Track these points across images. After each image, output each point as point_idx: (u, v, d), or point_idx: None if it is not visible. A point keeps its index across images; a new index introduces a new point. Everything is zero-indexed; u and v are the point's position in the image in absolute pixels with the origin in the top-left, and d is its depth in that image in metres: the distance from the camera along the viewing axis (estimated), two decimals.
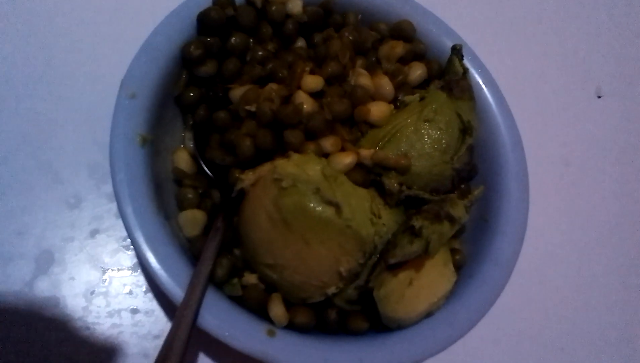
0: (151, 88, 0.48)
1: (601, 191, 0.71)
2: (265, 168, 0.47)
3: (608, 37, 0.82)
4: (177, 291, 0.43)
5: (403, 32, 0.58)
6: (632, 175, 0.73)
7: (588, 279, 0.65)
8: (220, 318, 0.43)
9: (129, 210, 0.44)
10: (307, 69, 0.51)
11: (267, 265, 0.46)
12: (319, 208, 0.44)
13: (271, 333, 0.44)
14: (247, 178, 0.47)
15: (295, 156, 0.47)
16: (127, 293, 0.53)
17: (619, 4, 0.85)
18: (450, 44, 0.58)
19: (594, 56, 0.80)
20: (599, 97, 0.78)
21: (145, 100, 0.48)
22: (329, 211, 0.44)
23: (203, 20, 0.51)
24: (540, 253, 0.65)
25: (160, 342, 0.51)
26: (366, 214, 0.46)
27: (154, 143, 0.49)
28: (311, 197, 0.44)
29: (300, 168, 0.45)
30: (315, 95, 0.50)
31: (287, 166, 0.46)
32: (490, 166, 0.56)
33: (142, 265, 0.43)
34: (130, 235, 0.43)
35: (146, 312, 0.52)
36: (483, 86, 0.59)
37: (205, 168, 0.52)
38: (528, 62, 0.77)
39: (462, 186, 0.55)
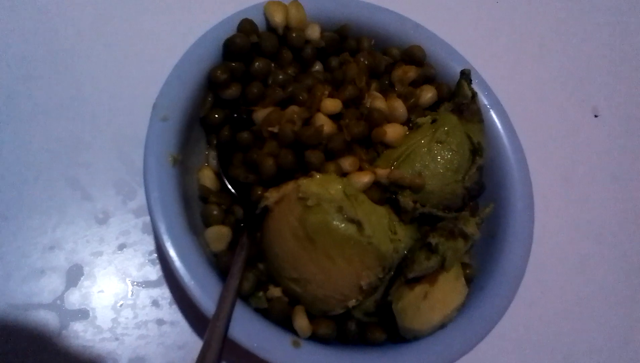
0: (181, 111, 0.51)
1: (600, 205, 0.74)
2: (289, 187, 0.50)
3: (603, 61, 0.86)
4: (208, 303, 0.45)
5: (414, 56, 0.61)
6: (628, 190, 0.76)
7: (589, 289, 0.68)
8: (249, 330, 0.45)
9: (162, 227, 0.46)
10: (326, 92, 0.54)
11: (292, 279, 0.48)
12: (343, 226, 0.46)
13: (296, 344, 0.46)
14: (272, 196, 0.50)
15: (318, 176, 0.49)
16: (153, 305, 0.55)
17: (615, 27, 0.89)
18: (458, 68, 0.61)
19: (591, 79, 0.84)
20: (596, 116, 0.82)
21: (176, 122, 0.50)
22: (352, 229, 0.47)
23: (229, 46, 0.54)
24: (542, 264, 0.68)
25: (185, 352, 0.54)
26: (385, 231, 0.49)
27: (182, 162, 0.51)
28: (335, 215, 0.46)
29: (323, 187, 0.48)
30: (334, 117, 0.53)
31: (311, 185, 0.48)
32: (497, 184, 0.59)
33: (172, 277, 0.46)
34: (163, 251, 0.46)
35: (172, 323, 0.55)
36: (489, 108, 0.62)
37: (229, 186, 0.55)
38: (530, 85, 0.80)
39: (471, 203, 0.58)
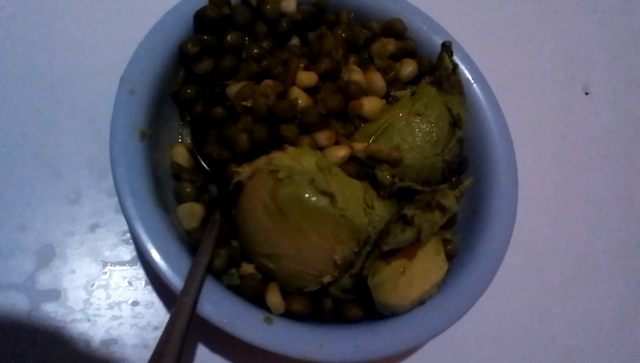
0: (150, 84, 0.50)
1: (589, 184, 0.73)
2: (261, 161, 0.48)
3: (595, 35, 0.84)
4: (176, 281, 0.44)
5: (394, 29, 0.60)
6: (618, 169, 0.75)
7: (575, 269, 0.67)
8: (219, 306, 0.44)
9: (129, 202, 0.45)
10: (302, 65, 0.53)
11: (265, 254, 0.47)
12: (314, 198, 0.45)
13: (268, 321, 0.45)
14: (244, 170, 0.49)
15: (290, 149, 0.48)
16: (127, 286, 0.54)
17: (606, 3, 0.87)
18: (440, 42, 0.59)
19: (582, 54, 0.82)
20: (587, 94, 0.80)
21: (144, 96, 0.49)
22: (324, 201, 0.45)
23: (200, 19, 0.53)
24: (530, 244, 0.66)
25: (159, 333, 0.51)
26: (360, 204, 0.47)
27: (152, 138, 0.50)
28: (306, 187, 0.45)
29: (295, 160, 0.47)
30: (310, 91, 0.52)
31: (283, 158, 0.47)
32: (480, 160, 0.58)
33: (142, 255, 0.44)
34: (130, 226, 0.44)
35: (146, 304, 0.53)
36: (472, 82, 0.61)
37: (203, 163, 0.53)
38: (516, 59, 0.79)
39: (453, 178, 0.56)
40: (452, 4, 0.78)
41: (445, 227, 0.54)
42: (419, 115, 0.52)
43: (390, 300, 0.47)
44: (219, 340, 0.52)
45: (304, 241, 0.46)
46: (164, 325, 0.51)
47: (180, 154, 0.53)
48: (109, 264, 0.54)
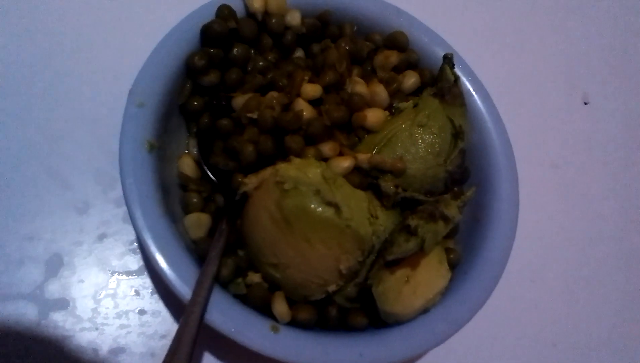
0: (158, 97, 0.51)
1: (588, 192, 0.74)
2: (267, 172, 0.49)
3: (594, 45, 0.85)
4: (184, 290, 0.44)
5: (397, 42, 0.61)
6: (617, 177, 0.76)
7: (576, 276, 0.67)
8: (227, 315, 0.45)
9: (138, 212, 0.46)
10: (306, 78, 0.54)
11: (271, 264, 0.48)
12: (320, 209, 0.46)
13: (275, 329, 0.45)
14: (250, 181, 0.49)
15: (296, 160, 0.49)
16: (135, 295, 0.54)
17: (605, 13, 0.88)
18: (441, 53, 0.60)
19: (581, 65, 0.83)
20: (586, 103, 0.81)
21: (152, 108, 0.50)
22: (329, 212, 0.46)
23: (206, 33, 0.54)
24: (531, 251, 0.67)
25: (167, 342, 0.53)
26: (364, 214, 0.48)
27: (160, 150, 0.51)
28: (312, 198, 0.46)
29: (301, 171, 0.48)
30: (314, 102, 0.53)
31: (289, 169, 0.48)
32: (481, 169, 0.59)
33: (150, 265, 0.45)
34: (139, 236, 0.45)
35: (153, 313, 0.54)
36: (473, 93, 0.61)
37: (209, 173, 0.54)
38: (516, 70, 0.80)
39: (456, 188, 0.57)
40: (453, 17, 0.80)
41: (447, 236, 0.55)
42: (422, 126, 0.53)
43: (394, 309, 0.47)
44: (226, 348, 0.53)
45: (309, 251, 0.46)
46: (171, 333, 0.53)
47: (187, 165, 0.54)
48: (117, 273, 0.55)
